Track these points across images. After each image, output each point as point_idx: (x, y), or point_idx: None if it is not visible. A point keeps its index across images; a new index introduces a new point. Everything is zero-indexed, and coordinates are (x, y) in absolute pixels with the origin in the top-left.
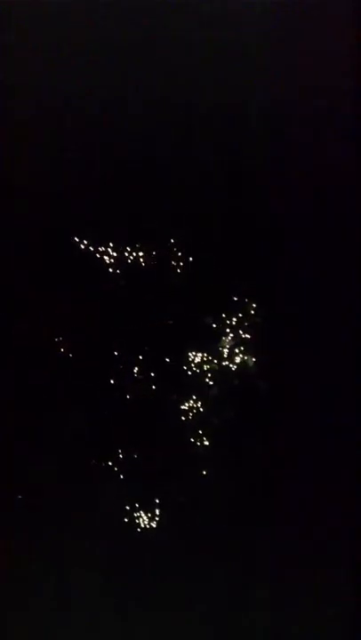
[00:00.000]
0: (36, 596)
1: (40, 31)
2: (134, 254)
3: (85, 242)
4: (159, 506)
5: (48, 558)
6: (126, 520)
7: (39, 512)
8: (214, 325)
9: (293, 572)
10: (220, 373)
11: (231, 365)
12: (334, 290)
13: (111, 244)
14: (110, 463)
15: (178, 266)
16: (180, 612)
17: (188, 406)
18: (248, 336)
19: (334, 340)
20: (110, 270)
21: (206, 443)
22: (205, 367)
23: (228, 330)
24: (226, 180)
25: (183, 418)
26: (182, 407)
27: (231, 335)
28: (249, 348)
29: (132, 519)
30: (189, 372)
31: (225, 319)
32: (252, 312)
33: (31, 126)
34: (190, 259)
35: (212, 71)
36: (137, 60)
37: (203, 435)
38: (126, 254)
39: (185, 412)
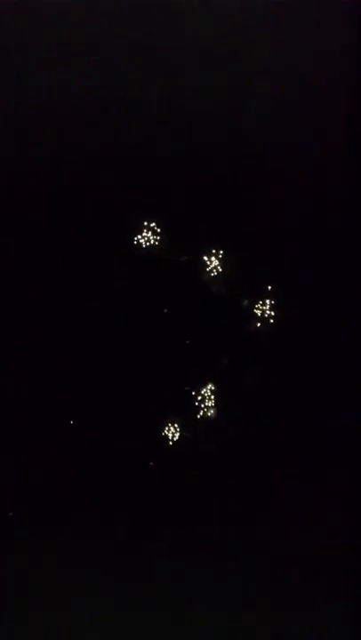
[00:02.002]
0: (36, 597)
1: (40, 31)
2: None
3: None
4: (160, 508)
5: (48, 562)
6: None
7: (40, 513)
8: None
9: (294, 570)
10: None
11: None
12: (334, 292)
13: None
14: (112, 467)
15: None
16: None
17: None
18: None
19: (335, 342)
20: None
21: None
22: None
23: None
24: (226, 180)
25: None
26: (184, 412)
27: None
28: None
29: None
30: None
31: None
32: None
33: (31, 126)
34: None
35: (212, 70)
36: (137, 60)
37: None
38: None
39: (188, 416)
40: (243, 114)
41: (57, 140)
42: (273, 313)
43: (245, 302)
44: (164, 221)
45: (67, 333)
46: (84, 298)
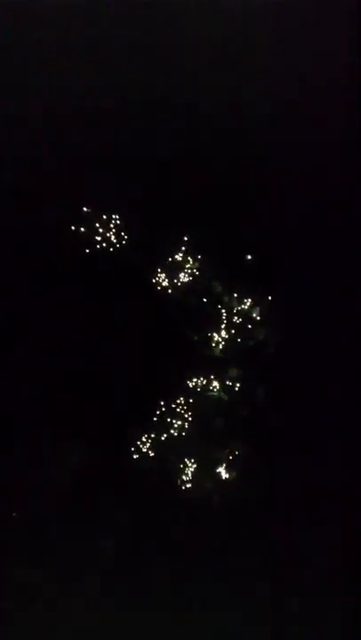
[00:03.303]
0: (36, 598)
1: (40, 31)
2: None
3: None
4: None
5: (49, 563)
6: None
7: (42, 514)
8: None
9: (293, 571)
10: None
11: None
12: (335, 293)
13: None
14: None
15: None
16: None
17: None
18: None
19: (335, 343)
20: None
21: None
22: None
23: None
24: (226, 181)
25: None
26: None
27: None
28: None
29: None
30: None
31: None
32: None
33: (31, 125)
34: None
35: (212, 70)
36: (137, 60)
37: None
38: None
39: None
40: (243, 113)
41: (56, 140)
42: (272, 317)
43: (245, 305)
44: (163, 223)
45: (67, 333)
46: (83, 299)
